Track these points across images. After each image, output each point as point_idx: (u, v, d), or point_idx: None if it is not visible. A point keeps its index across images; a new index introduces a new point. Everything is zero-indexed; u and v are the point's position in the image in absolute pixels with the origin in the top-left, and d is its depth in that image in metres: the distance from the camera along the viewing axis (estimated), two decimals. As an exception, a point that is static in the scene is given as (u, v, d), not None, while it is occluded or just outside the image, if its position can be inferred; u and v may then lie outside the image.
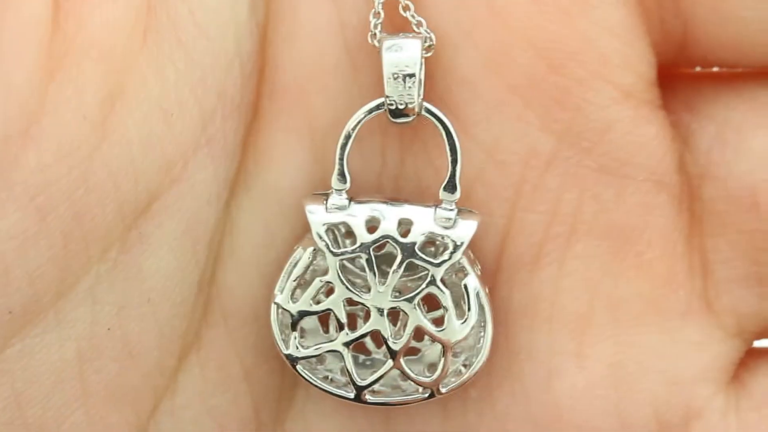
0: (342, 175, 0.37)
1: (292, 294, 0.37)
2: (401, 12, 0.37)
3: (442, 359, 0.37)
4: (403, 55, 0.36)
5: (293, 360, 0.37)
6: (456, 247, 0.37)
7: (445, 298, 0.37)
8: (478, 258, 0.38)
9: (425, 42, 0.37)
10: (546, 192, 0.37)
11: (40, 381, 0.36)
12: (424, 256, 0.37)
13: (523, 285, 0.38)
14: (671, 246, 0.38)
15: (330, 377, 0.38)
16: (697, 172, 0.38)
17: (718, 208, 0.38)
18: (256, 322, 0.38)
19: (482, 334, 0.37)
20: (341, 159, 0.37)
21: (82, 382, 0.37)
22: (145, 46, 0.36)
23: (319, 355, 0.37)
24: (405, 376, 0.37)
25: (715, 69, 0.40)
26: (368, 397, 0.38)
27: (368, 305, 0.37)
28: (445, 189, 0.37)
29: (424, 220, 0.37)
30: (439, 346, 0.38)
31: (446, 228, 0.37)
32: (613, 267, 0.38)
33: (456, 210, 0.37)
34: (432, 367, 0.38)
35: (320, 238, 0.37)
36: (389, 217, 0.37)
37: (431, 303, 0.38)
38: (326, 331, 0.38)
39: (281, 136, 0.38)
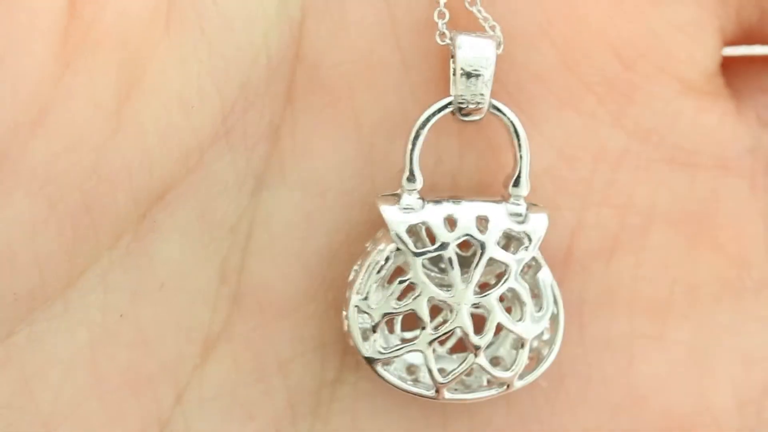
0: (412, 174, 0.37)
1: (368, 295, 0.37)
2: (467, 6, 0.37)
3: (519, 353, 0.37)
4: (477, 54, 0.36)
5: (373, 362, 0.37)
6: (532, 241, 0.37)
7: (525, 292, 0.37)
8: (542, 251, 0.38)
9: (497, 41, 0.37)
10: (618, 186, 0.38)
11: (51, 367, 0.36)
12: (503, 251, 0.37)
13: (599, 276, 0.38)
14: (743, 227, 0.39)
15: (399, 376, 0.38)
16: None
17: None
18: (295, 314, 0.38)
19: (555, 326, 0.38)
20: (410, 159, 0.37)
21: (95, 369, 0.36)
22: (167, 35, 0.35)
23: (401, 356, 0.37)
24: (484, 371, 0.37)
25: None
26: (447, 394, 0.37)
27: (451, 303, 0.37)
28: (514, 185, 0.37)
29: (498, 216, 0.37)
30: (508, 340, 0.38)
31: (519, 223, 0.37)
32: (690, 252, 0.38)
33: (525, 205, 0.37)
34: (495, 360, 0.38)
35: (400, 238, 0.37)
36: (466, 214, 0.37)
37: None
38: (391, 331, 0.38)
39: (324, 130, 0.37)
